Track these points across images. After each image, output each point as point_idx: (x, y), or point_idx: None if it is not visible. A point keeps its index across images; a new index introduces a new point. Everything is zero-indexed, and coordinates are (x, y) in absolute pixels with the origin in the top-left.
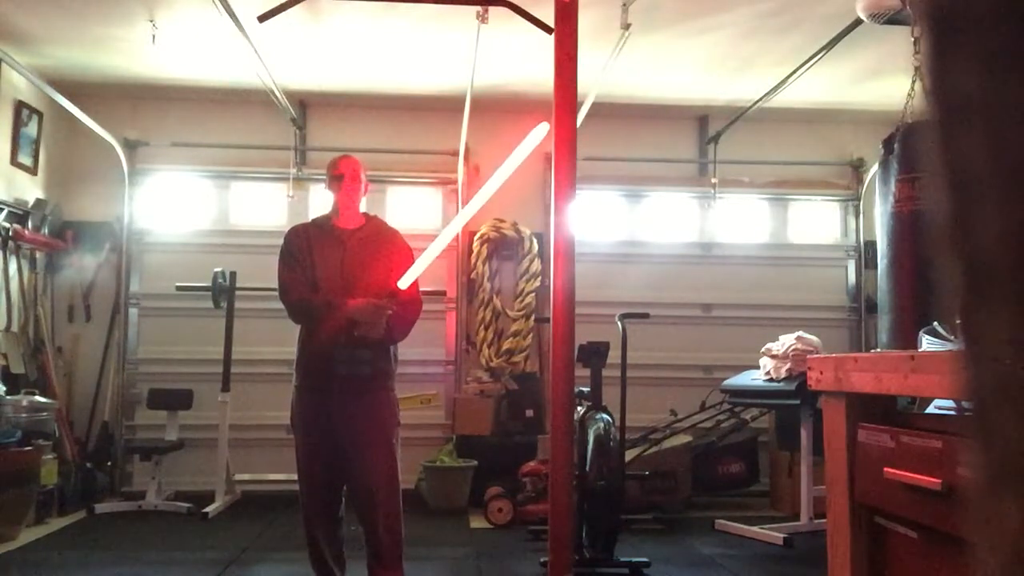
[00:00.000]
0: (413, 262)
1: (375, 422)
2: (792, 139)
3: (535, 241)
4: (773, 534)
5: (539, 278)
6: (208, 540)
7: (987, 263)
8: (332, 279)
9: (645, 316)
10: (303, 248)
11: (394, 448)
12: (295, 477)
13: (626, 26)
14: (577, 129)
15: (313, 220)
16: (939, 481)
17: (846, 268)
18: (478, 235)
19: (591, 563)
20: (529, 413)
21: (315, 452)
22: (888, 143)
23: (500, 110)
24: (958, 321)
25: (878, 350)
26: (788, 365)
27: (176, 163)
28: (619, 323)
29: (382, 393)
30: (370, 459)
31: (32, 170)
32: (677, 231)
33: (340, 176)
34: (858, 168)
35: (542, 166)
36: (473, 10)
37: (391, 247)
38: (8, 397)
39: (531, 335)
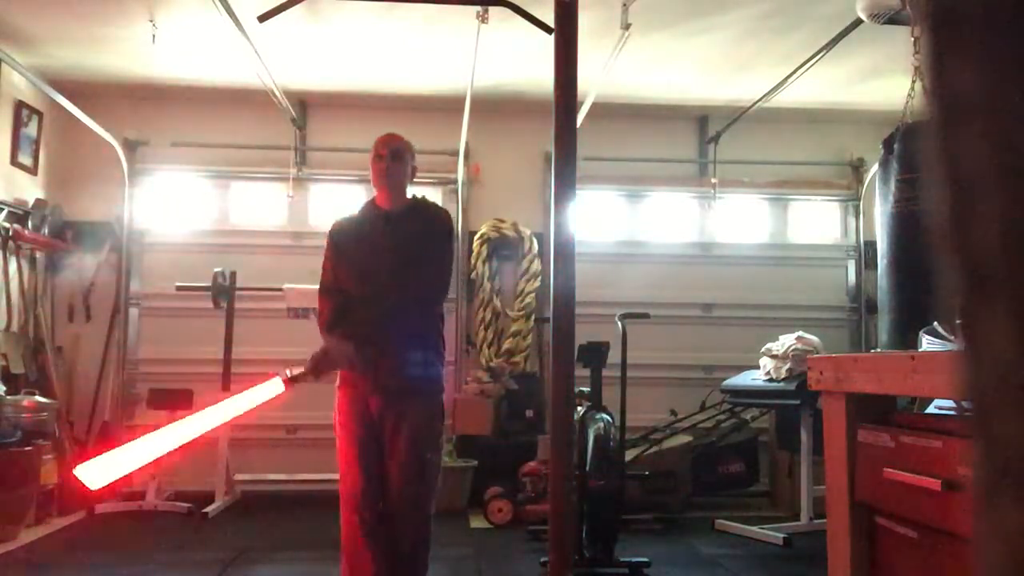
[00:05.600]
0: (448, 248)
1: (411, 434)
2: (792, 139)
3: (535, 241)
4: (773, 534)
5: (539, 278)
6: (208, 540)
7: (987, 263)
8: (373, 265)
9: (645, 316)
10: (341, 243)
11: (429, 464)
12: (295, 477)
13: (626, 26)
14: (577, 129)
15: (362, 207)
16: (939, 481)
17: (846, 268)
18: (478, 235)
19: (591, 563)
20: (529, 413)
21: (358, 450)
22: (888, 143)
23: (500, 110)
24: (958, 321)
25: (878, 350)
26: (788, 365)
27: (176, 163)
28: (619, 323)
29: (426, 401)
30: (399, 475)
31: (32, 170)
32: (677, 231)
33: (379, 155)
34: (858, 168)
35: (542, 166)
36: (473, 10)
37: (427, 229)
38: (8, 397)
39: (531, 335)
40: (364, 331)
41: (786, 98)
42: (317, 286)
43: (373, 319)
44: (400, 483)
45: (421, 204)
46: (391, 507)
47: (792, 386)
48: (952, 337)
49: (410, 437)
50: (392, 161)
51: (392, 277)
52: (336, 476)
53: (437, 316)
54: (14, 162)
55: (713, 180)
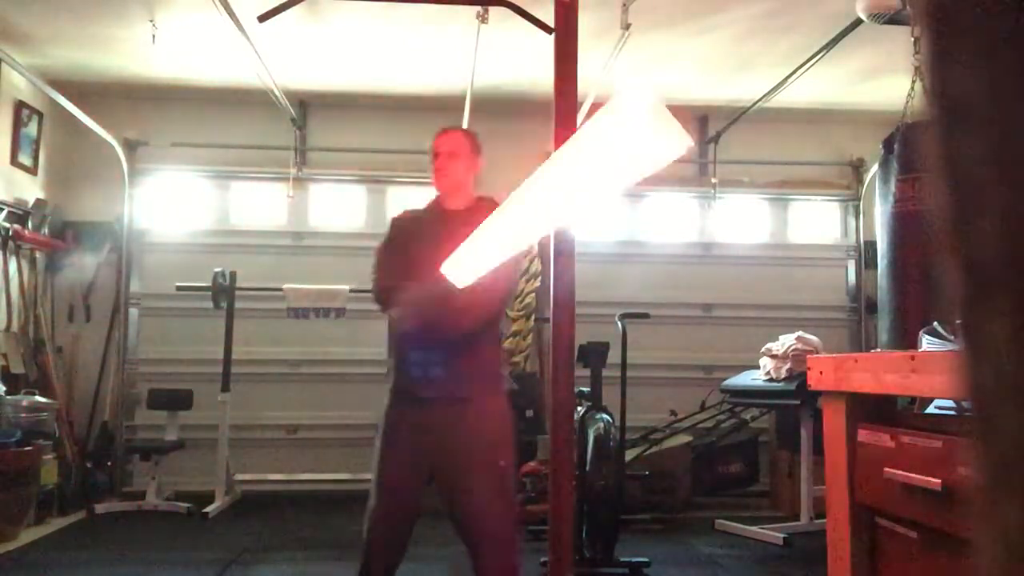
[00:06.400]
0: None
1: (479, 441)
2: (792, 139)
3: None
4: (773, 534)
5: (539, 278)
6: (208, 540)
7: (987, 263)
8: (430, 264)
9: (645, 316)
10: (399, 236)
11: (506, 476)
12: (295, 477)
13: (626, 26)
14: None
15: (426, 203)
16: (939, 481)
17: (846, 268)
18: None
19: (591, 563)
20: (529, 413)
21: (398, 466)
22: (888, 143)
23: (500, 110)
24: (958, 321)
25: (878, 350)
26: (788, 365)
27: (176, 163)
28: (619, 323)
29: (489, 402)
30: (474, 493)
31: (32, 170)
32: (677, 231)
33: (435, 153)
34: (858, 168)
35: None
36: (473, 10)
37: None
38: (8, 397)
39: (531, 335)
40: (419, 336)
41: (786, 98)
42: (320, 286)
43: (436, 318)
44: (478, 501)
45: (486, 203)
46: (469, 534)
47: (792, 386)
48: (952, 337)
49: (481, 444)
50: (448, 160)
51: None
52: (336, 476)
53: (498, 317)
54: (14, 162)
55: (713, 180)
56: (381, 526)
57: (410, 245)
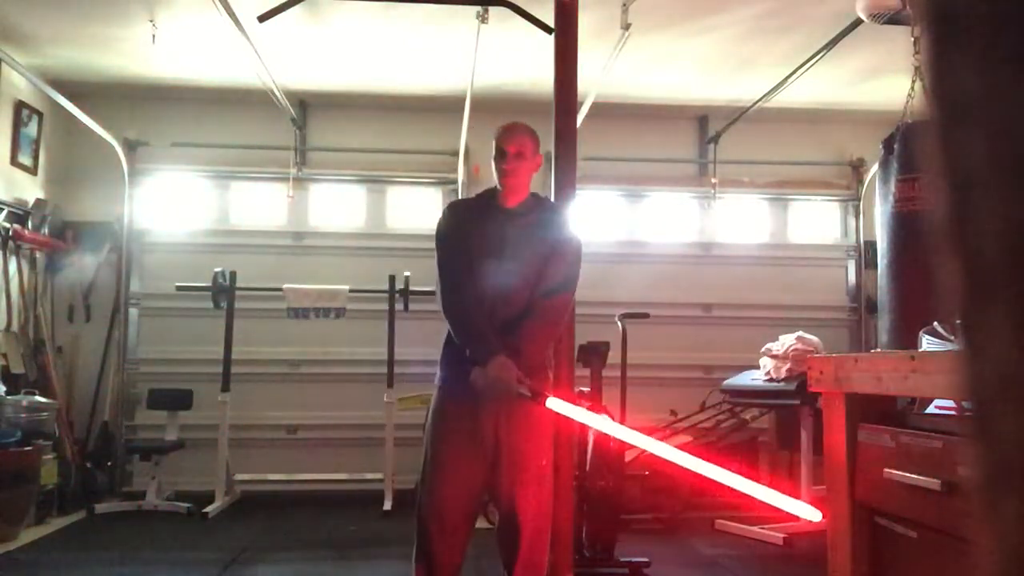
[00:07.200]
0: (576, 262)
1: (527, 434)
2: (792, 139)
3: None
4: (773, 534)
5: None
6: (208, 540)
7: (987, 263)
8: (488, 263)
9: (645, 316)
10: (460, 229)
11: (547, 472)
12: (295, 477)
13: (626, 26)
14: (577, 129)
15: (478, 195)
16: (939, 481)
17: (846, 268)
18: None
19: (591, 563)
20: None
21: (454, 462)
22: (888, 143)
23: (500, 110)
24: (958, 321)
25: (878, 350)
26: (788, 365)
27: (176, 163)
28: (619, 323)
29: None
30: (517, 484)
31: (32, 170)
32: (677, 231)
33: (502, 153)
34: (858, 168)
35: (542, 166)
36: (473, 10)
37: (557, 241)
38: (8, 397)
39: None
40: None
41: (786, 98)
42: (320, 286)
43: (501, 322)
44: (517, 497)
45: (548, 206)
46: (506, 528)
47: (792, 386)
48: (952, 337)
49: (528, 440)
50: (516, 161)
51: (523, 278)
52: (336, 476)
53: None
54: (14, 162)
55: (713, 180)
56: (437, 529)
57: (473, 242)
